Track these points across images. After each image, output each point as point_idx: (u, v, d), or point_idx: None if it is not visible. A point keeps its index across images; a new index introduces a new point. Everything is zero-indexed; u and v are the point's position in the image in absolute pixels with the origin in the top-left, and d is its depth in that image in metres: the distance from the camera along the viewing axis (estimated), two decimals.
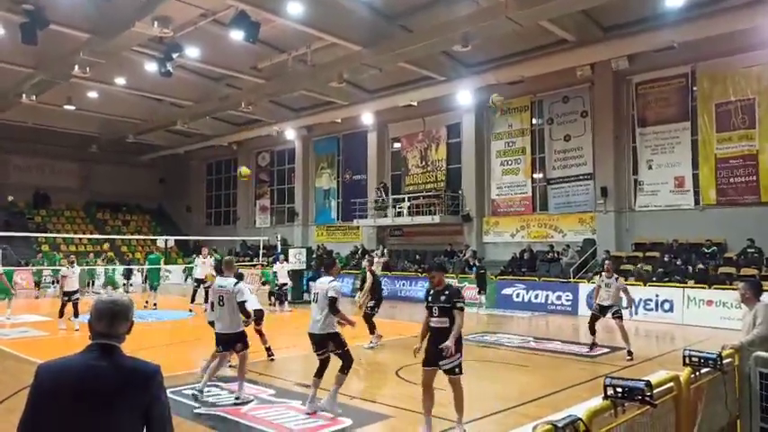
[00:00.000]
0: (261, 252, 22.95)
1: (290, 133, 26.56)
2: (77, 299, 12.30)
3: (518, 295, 17.16)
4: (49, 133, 28.12)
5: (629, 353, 9.66)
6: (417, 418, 6.25)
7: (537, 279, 17.47)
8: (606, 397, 3.43)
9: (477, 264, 16.28)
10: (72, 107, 22.86)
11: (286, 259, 18.13)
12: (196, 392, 6.62)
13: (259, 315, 8.86)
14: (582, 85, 18.61)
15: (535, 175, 20.29)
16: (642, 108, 17.70)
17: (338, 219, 26.53)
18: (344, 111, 22.90)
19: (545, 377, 8.39)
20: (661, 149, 17.35)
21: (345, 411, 6.42)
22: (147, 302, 16.29)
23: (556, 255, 18.57)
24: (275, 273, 16.91)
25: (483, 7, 14.14)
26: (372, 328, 10.62)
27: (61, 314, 12.25)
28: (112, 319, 2.24)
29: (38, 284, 19.58)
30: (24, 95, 20.48)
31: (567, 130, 19.22)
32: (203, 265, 15.33)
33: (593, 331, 10.24)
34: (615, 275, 10.32)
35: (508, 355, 10.22)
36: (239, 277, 7.27)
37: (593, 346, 10.29)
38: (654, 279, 15.48)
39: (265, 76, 20.03)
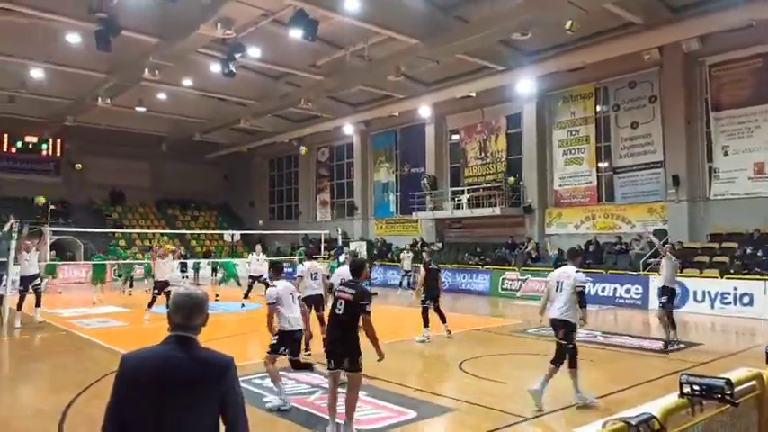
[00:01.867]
0: (322, 246, 23.37)
1: (349, 128, 26.83)
2: (168, 290, 12.70)
3: None
4: (123, 134, 29.63)
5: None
6: (481, 411, 6.22)
7: (604, 271, 16.89)
8: (682, 395, 3.28)
9: (558, 255, 15.45)
10: (143, 109, 24.03)
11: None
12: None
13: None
14: (650, 70, 17.77)
15: (600, 165, 19.59)
16: (716, 91, 16.71)
17: (397, 212, 26.62)
18: (402, 104, 22.89)
19: (614, 373, 8.13)
20: (738, 134, 16.34)
21: (409, 403, 6.46)
22: (217, 296, 17.08)
23: (623, 246, 17.89)
24: (340, 264, 17.15)
25: None
26: (425, 323, 10.59)
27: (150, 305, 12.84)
28: (190, 311, 2.35)
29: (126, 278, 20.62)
30: (100, 99, 21.70)
31: (635, 117, 18.43)
32: (257, 262, 15.79)
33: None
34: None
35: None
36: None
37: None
38: (732, 271, 14.64)
39: (324, 73, 20.31)
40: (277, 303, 6.53)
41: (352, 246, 20.98)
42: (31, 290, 12.38)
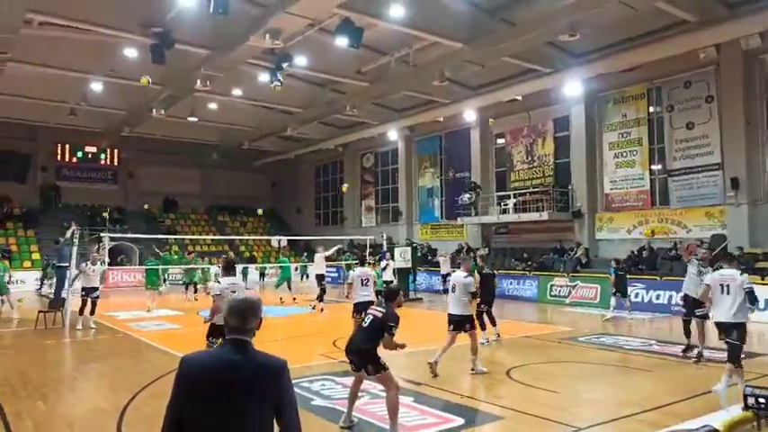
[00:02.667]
0: (368, 251, 23.47)
1: (393, 134, 26.92)
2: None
3: (637, 295, 16.11)
4: (175, 143, 30.73)
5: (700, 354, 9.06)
6: (531, 421, 6.10)
7: (658, 278, 16.30)
8: (747, 407, 3.14)
9: (616, 266, 15.02)
10: (195, 119, 24.80)
11: (392, 257, 18.44)
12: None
13: None
14: (706, 68, 17.09)
15: (653, 167, 18.95)
16: None
17: (442, 217, 26.49)
18: (447, 109, 22.79)
19: (670, 383, 7.82)
20: None
21: (456, 410, 6.41)
22: (281, 299, 17.80)
23: (679, 252, 17.18)
24: (383, 269, 17.31)
25: None
26: (481, 326, 10.50)
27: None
28: (244, 315, 2.43)
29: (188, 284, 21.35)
30: (154, 110, 22.53)
31: (690, 118, 17.75)
32: (321, 262, 16.26)
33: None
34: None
35: (628, 358, 9.65)
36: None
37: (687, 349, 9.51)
38: None
39: (368, 79, 20.47)
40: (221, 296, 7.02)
41: (397, 251, 20.99)
42: (89, 300, 12.85)
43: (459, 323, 8.36)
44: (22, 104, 23.05)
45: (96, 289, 12.99)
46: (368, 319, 5.71)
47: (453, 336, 8.44)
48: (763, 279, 14.40)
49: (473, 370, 8.28)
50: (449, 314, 8.50)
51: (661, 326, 13.80)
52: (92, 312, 12.88)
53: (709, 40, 15.35)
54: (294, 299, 18.01)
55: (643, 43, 16.14)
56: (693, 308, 9.24)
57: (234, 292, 6.90)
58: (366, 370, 5.61)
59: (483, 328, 10.53)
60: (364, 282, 9.84)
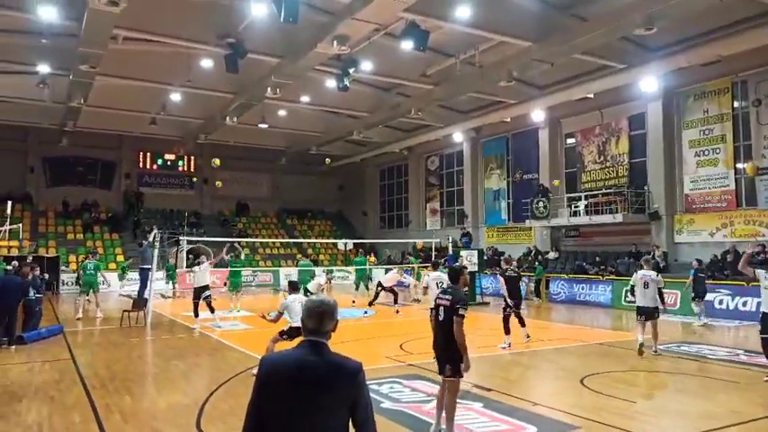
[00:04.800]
0: (433, 254, 23.39)
1: (458, 136, 26.69)
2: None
3: (721, 302, 15.16)
4: (247, 149, 31.90)
5: None
6: (606, 431, 5.86)
7: (745, 284, 15.24)
8: None
9: (697, 267, 14.26)
10: (265, 125, 25.62)
11: (456, 261, 18.28)
12: None
13: None
14: None
15: (739, 166, 17.79)
16: None
17: (509, 220, 25.99)
18: (514, 109, 22.35)
19: (761, 396, 7.29)
20: None
21: (529, 418, 6.26)
22: (353, 301, 18.15)
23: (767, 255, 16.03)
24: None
25: None
26: (506, 330, 10.66)
27: None
28: (321, 317, 2.48)
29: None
30: (228, 118, 23.48)
31: None
32: (393, 278, 16.41)
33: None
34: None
35: (713, 368, 9.08)
36: None
37: None
38: None
39: (434, 82, 20.41)
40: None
41: (463, 254, 20.77)
42: (202, 301, 13.57)
43: (650, 313, 10.01)
44: (107, 115, 24.62)
45: (206, 288, 13.66)
46: (441, 312, 5.52)
47: (643, 324, 10.01)
48: None
49: (655, 351, 9.97)
50: (639, 307, 10.16)
51: (749, 334, 12.90)
52: (211, 310, 13.48)
53: None
54: (353, 301, 18.14)
55: (727, 34, 15.18)
56: None
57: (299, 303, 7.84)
58: (444, 369, 5.50)
59: (507, 332, 10.58)
60: (439, 284, 9.91)
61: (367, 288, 19.38)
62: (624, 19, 13.88)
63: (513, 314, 10.81)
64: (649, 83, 17.91)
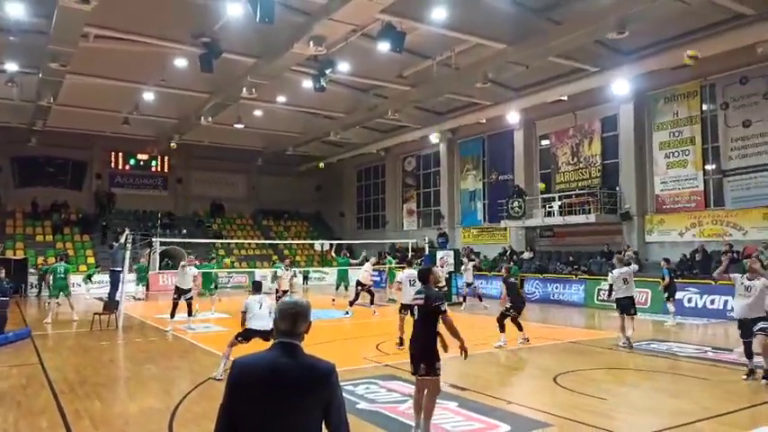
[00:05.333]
0: (409, 254, 23.43)
1: (435, 137, 26.81)
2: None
3: (690, 300, 15.52)
4: (222, 150, 31.60)
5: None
6: (579, 429, 5.95)
7: (713, 282, 15.62)
8: None
9: (666, 265, 14.57)
10: (241, 125, 25.38)
11: (433, 261, 18.38)
12: None
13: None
14: (764, 63, 16.27)
15: (707, 167, 18.24)
16: None
17: (484, 220, 26.21)
18: (489, 111, 22.57)
19: (726, 392, 7.49)
20: None
21: (503, 416, 6.32)
22: (333, 300, 18.18)
23: (735, 255, 16.47)
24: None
25: None
26: (500, 328, 10.85)
27: None
28: (294, 319, 2.47)
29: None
30: (203, 118, 23.20)
31: (747, 115, 17.00)
32: (368, 274, 16.35)
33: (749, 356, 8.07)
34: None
35: (682, 365, 9.29)
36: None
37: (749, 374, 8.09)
38: None
39: (410, 83, 20.48)
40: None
41: (439, 255, 20.88)
42: (183, 300, 13.42)
43: (629, 306, 10.87)
44: (78, 114, 24.12)
45: (188, 291, 13.50)
46: (416, 312, 5.61)
47: (623, 318, 10.88)
48: None
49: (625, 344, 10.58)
50: (618, 299, 10.95)
51: (717, 332, 13.25)
52: (189, 313, 13.31)
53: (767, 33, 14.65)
54: (333, 300, 18.21)
55: (696, 39, 15.54)
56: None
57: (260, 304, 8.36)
58: (418, 368, 5.47)
59: (502, 330, 10.82)
60: (412, 282, 10.08)
61: (346, 288, 19.36)
62: (597, 23, 14.12)
63: (511, 318, 10.94)
64: (621, 86, 18.24)
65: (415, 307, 5.62)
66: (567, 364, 9.16)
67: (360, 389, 7.47)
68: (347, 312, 15.80)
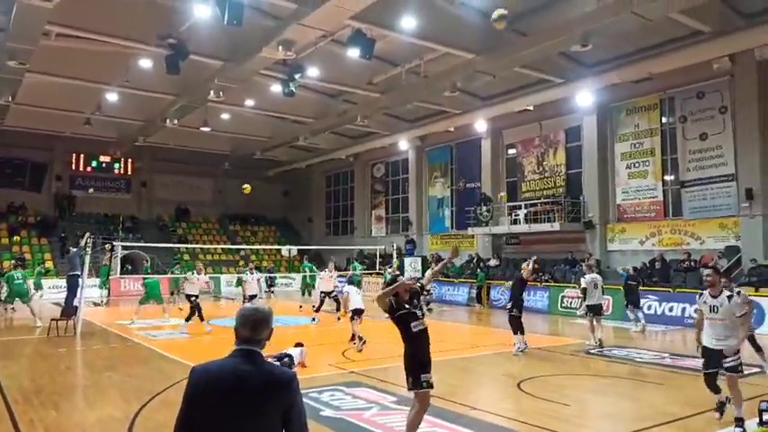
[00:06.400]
0: (378, 261, 23.49)
1: (404, 144, 26.97)
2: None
3: (649, 307, 15.93)
4: (188, 153, 31.07)
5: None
6: None
7: (671, 290, 16.13)
8: (762, 423, 3.09)
9: (628, 273, 15.00)
10: (208, 129, 25.02)
11: (401, 268, 18.43)
12: None
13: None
14: (720, 79, 16.99)
15: (666, 178, 18.82)
16: None
17: (452, 227, 26.43)
18: (458, 119, 22.83)
19: (683, 397, 7.70)
20: None
21: (468, 423, 6.36)
22: (300, 307, 18.06)
23: (692, 263, 17.04)
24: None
25: (605, 4, 13.41)
26: (520, 329, 11.07)
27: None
28: (255, 325, 2.43)
29: (174, 292, 21.72)
30: (168, 120, 22.79)
31: (703, 128, 17.63)
32: (329, 280, 16.20)
33: (715, 390, 6.49)
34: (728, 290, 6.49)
35: (640, 371, 9.53)
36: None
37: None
38: None
39: (380, 90, 20.56)
40: None
41: (407, 261, 20.96)
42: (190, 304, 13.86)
43: (600, 310, 11.87)
44: (38, 114, 23.41)
45: (197, 296, 14.01)
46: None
47: (593, 321, 11.72)
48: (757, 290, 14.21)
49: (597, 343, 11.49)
50: (592, 305, 11.79)
51: (675, 338, 13.63)
52: (187, 318, 13.68)
53: (723, 50, 15.27)
54: (300, 307, 18.05)
55: (656, 53, 16.11)
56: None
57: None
58: (407, 382, 5.34)
59: (520, 332, 10.99)
60: (357, 292, 11.97)
61: (309, 294, 19.26)
62: (562, 36, 14.45)
63: (512, 319, 11.15)
64: (585, 97, 18.72)
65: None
66: (531, 370, 9.29)
67: (324, 396, 7.41)
68: (313, 319, 15.70)
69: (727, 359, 6.12)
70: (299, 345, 9.57)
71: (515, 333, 10.98)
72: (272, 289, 25.01)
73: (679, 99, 18.29)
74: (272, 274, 26.25)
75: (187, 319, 13.70)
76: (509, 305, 11.37)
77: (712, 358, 6.31)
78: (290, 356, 8.97)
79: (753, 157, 16.35)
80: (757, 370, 9.21)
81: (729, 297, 6.22)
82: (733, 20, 14.45)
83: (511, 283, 11.93)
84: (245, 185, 20.25)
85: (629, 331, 14.23)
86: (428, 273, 7.45)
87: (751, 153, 16.39)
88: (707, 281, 6.52)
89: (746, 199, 16.21)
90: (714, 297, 6.29)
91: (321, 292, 16.39)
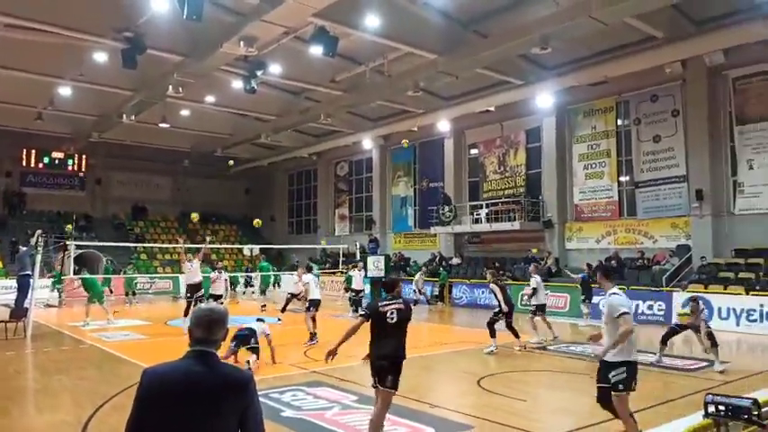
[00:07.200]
0: (340, 260, 23.43)
1: (368, 143, 26.95)
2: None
3: (605, 304, 16.37)
4: (146, 150, 30.29)
5: None
6: (500, 429, 6.14)
7: (625, 287, 16.60)
8: (707, 415, 3.22)
9: (587, 273, 15.44)
10: (166, 125, 24.40)
11: (365, 267, 18.39)
12: None
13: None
14: (672, 83, 17.60)
15: (621, 179, 19.39)
16: (741, 105, 16.48)
17: (415, 226, 26.59)
18: (421, 119, 22.95)
19: (637, 391, 7.91)
20: (763, 148, 16.05)
21: (427, 420, 6.41)
22: (264, 306, 17.73)
23: (646, 262, 17.61)
24: (350, 278, 17.26)
25: (563, 8, 13.72)
26: (492, 333, 11.09)
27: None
28: (210, 326, 2.39)
29: (129, 293, 21.22)
30: (125, 116, 22.15)
31: (657, 131, 18.24)
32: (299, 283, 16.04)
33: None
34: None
35: (596, 366, 9.76)
36: None
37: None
38: (758, 288, 14.31)
39: (343, 88, 20.49)
40: None
41: (371, 260, 20.96)
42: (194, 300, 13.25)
43: (544, 309, 12.68)
44: None
45: (198, 287, 13.50)
46: (393, 314, 5.33)
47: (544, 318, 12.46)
48: (725, 289, 14.83)
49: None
50: (543, 305, 12.78)
51: None
52: (185, 314, 13.18)
53: (675, 55, 15.85)
54: (264, 306, 17.83)
55: (612, 57, 16.58)
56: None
57: None
58: (386, 381, 5.27)
59: (493, 335, 11.08)
60: (316, 284, 12.31)
61: (264, 293, 18.95)
62: (521, 38, 14.70)
63: (506, 324, 11.33)
64: (544, 99, 19.10)
65: (395, 311, 5.34)
66: (490, 367, 9.44)
67: (286, 396, 7.35)
68: (278, 319, 15.54)
69: (611, 372, 5.33)
70: (260, 320, 9.72)
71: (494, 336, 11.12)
72: (252, 289, 24.67)
73: (634, 102, 18.87)
74: (249, 274, 25.92)
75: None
76: (507, 309, 11.44)
77: (600, 370, 5.54)
78: (251, 330, 8.96)
79: (702, 159, 17.01)
80: (706, 364, 9.58)
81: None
82: (685, 26, 15.00)
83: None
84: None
85: (578, 326, 14.62)
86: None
87: (701, 155, 17.04)
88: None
89: (697, 199, 16.86)
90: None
91: (288, 293, 16.25)
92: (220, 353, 2.45)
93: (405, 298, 5.59)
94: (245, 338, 8.92)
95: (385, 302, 5.45)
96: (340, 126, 25.28)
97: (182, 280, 13.95)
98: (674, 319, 9.87)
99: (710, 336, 9.44)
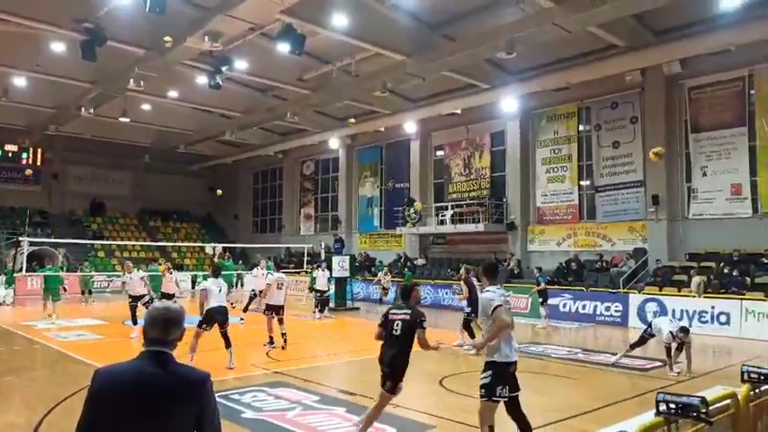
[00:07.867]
0: (305, 259, 23.26)
1: (334, 142, 26.86)
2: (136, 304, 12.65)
3: (564, 305, 16.77)
4: (105, 144, 29.46)
5: None
6: (460, 429, 6.20)
7: (584, 289, 17.04)
8: (659, 413, 3.33)
9: (547, 278, 15.66)
10: (127, 119, 23.81)
11: (329, 267, 18.28)
12: None
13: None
14: (632, 91, 18.13)
15: (582, 183, 19.86)
16: (696, 113, 17.09)
17: (381, 226, 26.64)
18: (388, 119, 23.03)
19: (593, 390, 8.16)
20: (716, 156, 16.69)
21: (389, 420, 6.42)
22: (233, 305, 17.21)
23: (604, 264, 18.09)
24: (314, 278, 17.16)
25: (529, 14, 13.98)
26: (471, 333, 11.11)
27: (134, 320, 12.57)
28: (166, 326, 2.33)
29: (85, 291, 20.63)
30: (83, 109, 21.50)
31: (616, 137, 18.75)
32: (260, 278, 15.76)
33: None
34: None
35: (555, 366, 9.99)
36: None
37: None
38: (709, 290, 14.86)
39: (310, 87, 20.37)
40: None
41: (336, 260, 20.86)
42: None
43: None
44: None
45: (142, 296, 12.64)
46: (398, 326, 5.43)
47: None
48: (679, 291, 15.35)
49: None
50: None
51: (587, 335, 14.40)
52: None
53: (635, 64, 16.33)
54: (233, 306, 17.53)
55: (575, 64, 16.98)
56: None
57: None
58: (385, 384, 5.43)
59: (472, 336, 11.06)
60: (279, 286, 11.03)
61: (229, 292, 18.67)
62: (488, 42, 14.92)
63: (463, 322, 11.50)
64: (509, 103, 19.42)
65: (398, 322, 5.43)
66: (452, 368, 9.52)
67: (246, 397, 7.25)
68: (241, 319, 15.33)
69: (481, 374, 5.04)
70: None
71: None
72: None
73: (595, 108, 19.35)
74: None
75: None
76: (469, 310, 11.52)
77: None
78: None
79: (659, 165, 17.50)
80: (660, 364, 9.87)
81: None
82: (644, 36, 15.47)
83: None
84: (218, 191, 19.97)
85: (536, 327, 14.90)
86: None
87: (657, 162, 17.55)
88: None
89: (653, 204, 17.40)
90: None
91: (252, 290, 16.03)
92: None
93: (416, 309, 5.54)
94: None
95: (395, 310, 5.58)
96: (307, 125, 25.14)
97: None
98: (665, 338, 9.57)
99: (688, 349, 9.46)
